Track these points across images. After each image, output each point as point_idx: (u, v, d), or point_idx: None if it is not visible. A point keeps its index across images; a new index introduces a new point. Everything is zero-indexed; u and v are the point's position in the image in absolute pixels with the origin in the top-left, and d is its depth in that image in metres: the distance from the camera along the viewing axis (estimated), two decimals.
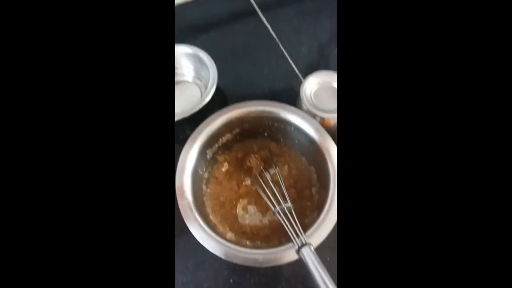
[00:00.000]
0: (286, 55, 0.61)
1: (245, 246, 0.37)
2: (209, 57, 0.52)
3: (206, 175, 0.44)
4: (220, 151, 0.45)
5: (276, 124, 0.43)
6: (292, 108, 0.42)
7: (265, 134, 0.46)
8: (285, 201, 0.39)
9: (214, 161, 0.45)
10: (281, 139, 0.46)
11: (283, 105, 0.42)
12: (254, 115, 0.43)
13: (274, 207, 0.38)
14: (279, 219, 0.37)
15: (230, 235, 0.39)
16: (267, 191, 0.40)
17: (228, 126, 0.43)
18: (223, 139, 0.44)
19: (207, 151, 0.43)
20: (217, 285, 0.41)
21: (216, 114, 0.42)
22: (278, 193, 0.39)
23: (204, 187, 0.43)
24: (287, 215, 0.36)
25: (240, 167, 0.46)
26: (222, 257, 0.32)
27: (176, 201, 0.36)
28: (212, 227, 0.36)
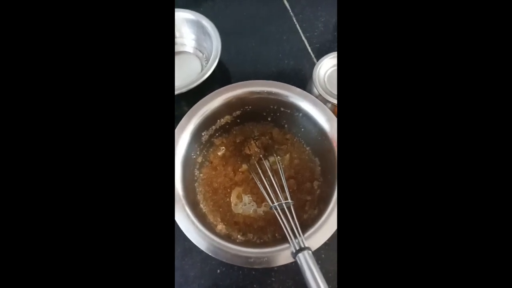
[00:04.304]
0: (300, 30, 0.54)
1: (236, 240, 0.34)
2: (213, 26, 0.46)
3: (199, 159, 0.40)
4: (217, 134, 0.41)
5: (282, 109, 0.39)
6: (303, 92, 0.37)
7: (269, 119, 0.42)
8: (285, 195, 0.35)
9: (210, 144, 0.41)
10: (285, 126, 0.42)
11: (292, 87, 0.37)
12: (258, 96, 0.38)
13: (272, 202, 0.34)
14: (270, 212, 0.34)
15: (220, 227, 0.35)
16: (265, 181, 0.37)
17: (228, 107, 0.38)
18: (222, 121, 0.39)
19: (203, 133, 0.38)
20: (203, 274, 0.38)
21: (215, 92, 0.37)
22: (277, 186, 0.36)
23: (196, 171, 0.40)
24: (286, 212, 0.32)
25: (238, 153, 0.42)
26: (210, 254, 0.30)
27: None
28: (202, 217, 0.33)
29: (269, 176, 0.37)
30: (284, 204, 0.33)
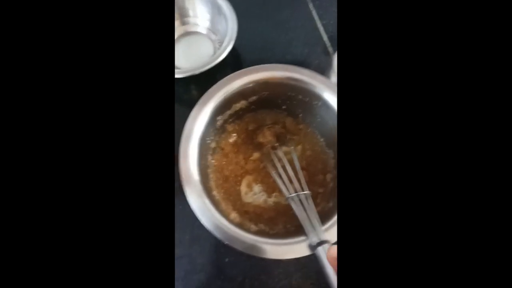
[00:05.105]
0: (315, 17, 0.52)
1: (250, 230, 0.33)
2: (230, 7, 0.44)
3: (213, 145, 0.39)
4: (230, 120, 0.39)
5: (300, 97, 0.37)
6: (326, 80, 0.36)
7: (283, 107, 0.40)
8: (301, 186, 0.34)
9: (222, 129, 0.40)
10: (300, 115, 0.41)
11: (315, 74, 0.35)
12: (277, 81, 0.36)
13: (288, 192, 0.33)
14: (286, 204, 0.33)
15: (234, 215, 0.34)
16: (279, 171, 0.36)
17: (245, 91, 0.36)
18: (237, 106, 0.38)
19: (218, 118, 0.37)
20: (211, 262, 0.38)
21: (234, 74, 0.35)
22: (292, 176, 0.35)
23: (209, 157, 0.38)
24: (302, 203, 0.31)
25: (250, 140, 0.41)
26: (227, 242, 0.29)
27: (179, 171, 0.31)
28: (216, 204, 0.32)
29: (284, 165, 0.36)
30: (300, 195, 0.33)
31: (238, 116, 0.40)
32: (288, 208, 0.37)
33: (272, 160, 0.37)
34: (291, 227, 0.35)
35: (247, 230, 0.31)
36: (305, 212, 0.30)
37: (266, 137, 0.40)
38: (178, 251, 0.38)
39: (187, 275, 0.37)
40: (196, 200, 0.30)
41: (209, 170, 0.38)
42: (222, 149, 0.40)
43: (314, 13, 0.53)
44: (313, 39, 0.51)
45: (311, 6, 0.53)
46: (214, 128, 0.37)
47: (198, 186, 0.31)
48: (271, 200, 0.39)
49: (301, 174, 0.36)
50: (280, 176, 0.35)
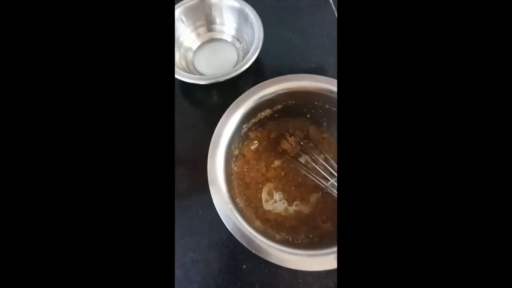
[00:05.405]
0: None
1: (274, 238, 0.33)
2: (257, 16, 0.44)
3: (236, 152, 0.39)
4: (253, 127, 0.40)
5: (327, 106, 0.37)
6: None
7: (308, 115, 0.40)
8: (334, 172, 0.35)
9: (246, 137, 0.40)
10: (324, 124, 0.40)
11: None
12: (305, 90, 0.36)
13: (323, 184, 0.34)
14: (307, 213, 0.33)
15: (258, 223, 0.34)
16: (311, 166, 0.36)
17: (272, 100, 0.37)
18: (262, 114, 0.38)
19: (244, 126, 0.37)
20: (228, 268, 0.38)
21: (262, 84, 0.36)
22: (322, 170, 0.35)
23: (233, 164, 0.39)
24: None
25: (271, 148, 0.41)
26: (253, 251, 0.29)
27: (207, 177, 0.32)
28: (240, 212, 0.32)
29: (311, 163, 0.36)
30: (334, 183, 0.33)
31: (261, 123, 0.40)
32: (310, 218, 0.37)
33: (297, 162, 0.37)
34: (314, 238, 0.35)
35: (272, 239, 0.31)
36: None
37: (289, 144, 0.40)
38: (195, 256, 0.38)
39: (204, 279, 0.37)
40: (224, 207, 0.30)
41: (232, 177, 0.38)
42: (244, 155, 0.40)
43: None
44: None
45: (336, 14, 0.53)
46: (239, 136, 0.38)
47: (224, 194, 0.31)
48: (292, 209, 0.38)
49: (331, 160, 0.36)
50: (310, 172, 0.35)
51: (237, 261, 0.38)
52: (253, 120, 0.38)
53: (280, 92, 0.36)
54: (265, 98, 0.36)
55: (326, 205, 0.38)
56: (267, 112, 0.38)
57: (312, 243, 0.32)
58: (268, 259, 0.28)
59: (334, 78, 0.36)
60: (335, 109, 0.37)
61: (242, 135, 0.38)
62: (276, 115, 0.40)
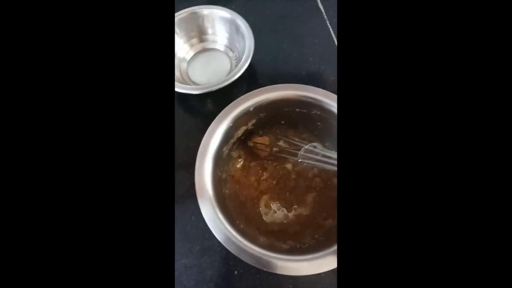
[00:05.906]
0: (333, 34, 0.53)
1: (281, 249, 0.34)
2: (247, 26, 0.46)
3: (223, 176, 0.39)
4: (234, 147, 0.41)
5: (297, 109, 0.39)
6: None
7: (282, 122, 0.42)
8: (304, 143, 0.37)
9: (229, 158, 0.41)
10: (300, 126, 0.42)
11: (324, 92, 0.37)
12: (272, 101, 0.38)
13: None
14: (307, 214, 0.34)
15: (262, 239, 0.35)
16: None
17: (244, 117, 0.38)
18: (238, 133, 0.39)
19: (224, 149, 0.38)
20: (220, 274, 0.38)
21: (231, 105, 0.37)
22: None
23: (223, 189, 0.39)
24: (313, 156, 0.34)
25: (254, 159, 0.42)
26: (263, 268, 0.29)
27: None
28: (241, 233, 0.32)
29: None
30: (307, 149, 0.35)
31: (240, 141, 0.41)
32: (310, 218, 0.38)
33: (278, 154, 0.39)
34: (320, 237, 0.36)
35: (278, 250, 0.31)
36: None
37: (262, 139, 0.41)
38: (188, 261, 0.39)
39: (197, 284, 0.38)
40: (223, 231, 0.31)
41: (227, 201, 0.38)
42: (232, 176, 0.41)
43: (331, 30, 0.53)
44: (330, 55, 0.51)
45: (328, 23, 0.54)
46: (221, 159, 0.38)
47: (224, 223, 0.32)
48: (292, 214, 0.39)
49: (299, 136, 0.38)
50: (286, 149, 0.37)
51: (229, 267, 0.38)
52: (232, 141, 0.39)
53: (251, 108, 0.37)
54: (238, 116, 0.37)
55: (323, 203, 0.39)
56: (242, 129, 0.39)
57: (319, 244, 0.33)
58: (276, 272, 0.29)
59: (326, 85, 0.37)
60: (305, 110, 0.38)
61: (225, 157, 0.39)
62: (253, 127, 0.40)
